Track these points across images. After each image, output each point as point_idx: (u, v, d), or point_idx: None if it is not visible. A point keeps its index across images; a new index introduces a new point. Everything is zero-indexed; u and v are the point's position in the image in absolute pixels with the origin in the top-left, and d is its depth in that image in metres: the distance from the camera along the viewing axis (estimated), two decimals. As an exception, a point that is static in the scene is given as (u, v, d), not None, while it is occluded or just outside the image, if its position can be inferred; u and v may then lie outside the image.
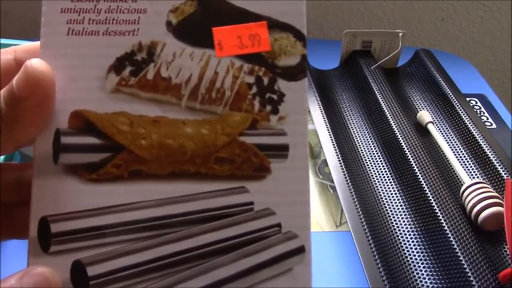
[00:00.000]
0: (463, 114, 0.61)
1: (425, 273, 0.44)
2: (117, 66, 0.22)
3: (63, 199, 0.21)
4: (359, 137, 0.60)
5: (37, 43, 0.23)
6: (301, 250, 0.22)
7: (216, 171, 0.22)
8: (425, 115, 0.60)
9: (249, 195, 0.22)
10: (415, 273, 0.44)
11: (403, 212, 0.50)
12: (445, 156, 0.56)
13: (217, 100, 0.22)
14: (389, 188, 0.53)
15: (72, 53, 0.22)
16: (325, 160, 0.55)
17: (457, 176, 0.54)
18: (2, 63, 0.23)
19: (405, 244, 0.47)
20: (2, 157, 0.43)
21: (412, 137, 0.56)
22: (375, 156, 0.57)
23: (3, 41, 0.57)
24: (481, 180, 0.51)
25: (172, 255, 0.21)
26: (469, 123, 0.60)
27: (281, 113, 0.22)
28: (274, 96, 0.22)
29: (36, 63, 0.20)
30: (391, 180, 0.54)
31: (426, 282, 0.44)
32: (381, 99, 0.62)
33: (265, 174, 0.22)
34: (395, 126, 0.58)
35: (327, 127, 0.58)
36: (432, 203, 0.48)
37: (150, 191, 0.22)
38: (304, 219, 0.22)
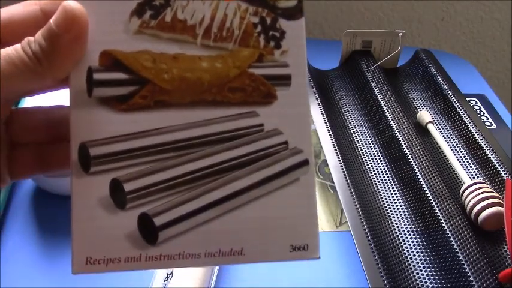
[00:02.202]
0: (463, 114, 0.61)
1: (425, 273, 0.44)
2: (138, 10, 0.25)
3: (98, 127, 0.24)
4: (359, 137, 0.60)
5: None
6: (306, 163, 0.25)
7: (230, 99, 0.26)
8: (425, 115, 0.60)
9: (259, 118, 0.26)
10: (415, 273, 0.44)
11: (403, 212, 0.50)
12: (445, 156, 0.56)
13: (227, 38, 0.26)
14: (389, 188, 0.53)
15: (98, 1, 0.25)
16: (325, 160, 0.55)
17: (457, 176, 0.54)
18: (31, 13, 0.25)
19: (405, 244, 0.47)
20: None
21: (412, 137, 0.56)
22: (375, 156, 0.57)
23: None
24: (481, 180, 0.51)
25: (197, 171, 0.25)
26: (469, 123, 0.60)
27: (283, 47, 0.26)
28: (277, 34, 0.26)
29: (73, 3, 0.23)
30: (391, 180, 0.54)
31: (426, 282, 0.44)
32: (380, 99, 0.62)
33: (272, 100, 0.26)
34: (395, 126, 0.58)
35: (327, 127, 0.58)
36: (432, 203, 0.48)
37: (174, 117, 0.25)
38: (307, 137, 0.26)
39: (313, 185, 0.25)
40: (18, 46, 0.23)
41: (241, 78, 0.26)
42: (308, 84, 0.26)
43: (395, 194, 0.52)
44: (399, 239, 0.47)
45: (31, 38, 0.23)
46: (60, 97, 0.28)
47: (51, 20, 0.23)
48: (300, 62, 0.26)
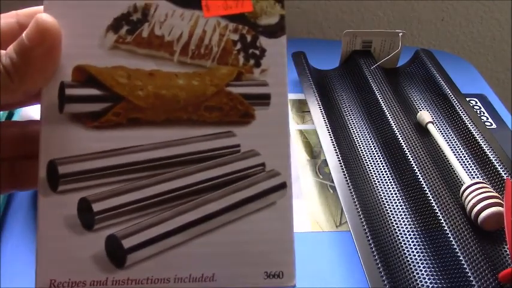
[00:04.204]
0: (463, 114, 0.61)
1: (425, 273, 0.44)
2: (114, 25, 0.24)
3: (68, 144, 0.24)
4: (359, 137, 0.60)
5: (39, 8, 0.25)
6: (283, 186, 0.25)
7: (206, 118, 0.25)
8: (425, 115, 0.60)
9: (236, 139, 0.25)
10: (415, 273, 0.44)
11: (403, 212, 0.50)
12: (445, 156, 0.56)
13: (205, 55, 0.25)
14: (389, 188, 0.53)
15: (73, 14, 0.24)
16: (325, 160, 0.55)
17: (457, 176, 0.54)
18: (6, 26, 0.25)
19: (405, 244, 0.47)
20: None
21: (412, 137, 0.56)
22: (375, 156, 0.57)
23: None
24: (481, 180, 0.51)
25: (169, 192, 0.24)
26: (469, 123, 0.60)
27: (263, 66, 0.25)
28: (257, 52, 0.25)
29: (45, 16, 0.22)
30: (391, 180, 0.54)
31: (426, 282, 0.44)
32: (380, 99, 0.62)
33: (250, 120, 0.25)
34: (395, 126, 0.58)
35: (327, 127, 0.58)
36: (432, 203, 0.48)
37: (147, 136, 0.24)
38: (285, 158, 0.25)
39: (290, 209, 0.24)
40: None
41: (218, 96, 0.25)
42: (288, 104, 0.25)
43: (395, 194, 0.52)
44: (399, 239, 0.47)
45: (2, 52, 0.22)
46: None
47: (24, 33, 0.22)
48: (280, 81, 0.25)
